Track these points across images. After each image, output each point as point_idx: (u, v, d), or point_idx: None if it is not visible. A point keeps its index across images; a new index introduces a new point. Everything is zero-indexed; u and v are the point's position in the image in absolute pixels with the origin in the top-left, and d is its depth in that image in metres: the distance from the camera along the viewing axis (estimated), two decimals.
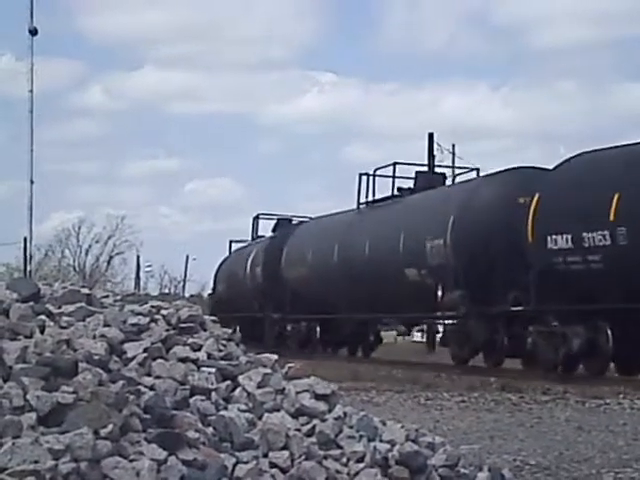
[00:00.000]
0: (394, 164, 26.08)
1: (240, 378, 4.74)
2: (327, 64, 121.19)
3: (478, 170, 24.66)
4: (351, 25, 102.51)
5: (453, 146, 40.85)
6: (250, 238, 36.44)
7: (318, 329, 28.46)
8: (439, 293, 20.33)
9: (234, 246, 39.07)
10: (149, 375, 4.50)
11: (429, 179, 25.22)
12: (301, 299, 27.97)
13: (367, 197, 26.29)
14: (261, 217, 36.52)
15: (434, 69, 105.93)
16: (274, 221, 35.43)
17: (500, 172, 20.49)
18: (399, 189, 25.55)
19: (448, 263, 20.13)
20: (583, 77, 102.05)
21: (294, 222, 33.93)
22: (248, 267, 32.46)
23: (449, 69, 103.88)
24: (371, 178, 26.30)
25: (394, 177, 26.01)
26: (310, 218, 33.10)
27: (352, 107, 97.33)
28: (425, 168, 28.21)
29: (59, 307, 4.98)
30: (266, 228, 35.56)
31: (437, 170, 28.22)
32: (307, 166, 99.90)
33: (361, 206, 26.31)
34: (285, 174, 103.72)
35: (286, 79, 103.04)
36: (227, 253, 39.19)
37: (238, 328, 32.63)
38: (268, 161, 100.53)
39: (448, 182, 25.94)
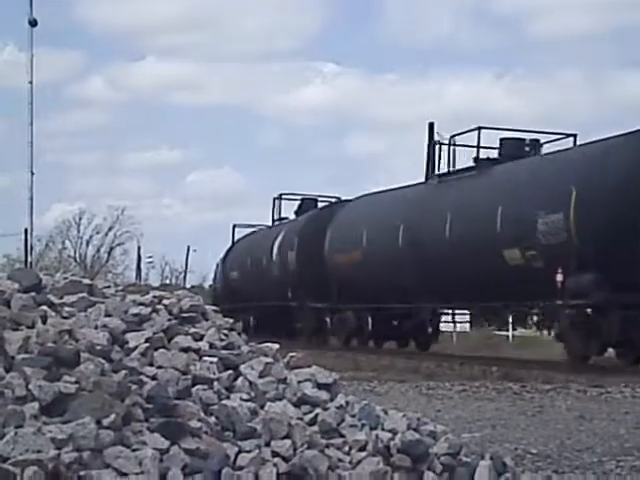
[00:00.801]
0: (479, 129, 21.60)
1: (242, 367, 4.74)
2: (329, 54, 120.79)
3: (575, 136, 21.03)
4: (353, 15, 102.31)
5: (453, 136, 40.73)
6: (270, 221, 33.41)
7: (370, 320, 24.61)
8: (558, 278, 16.83)
9: (238, 231, 37.32)
10: (151, 365, 4.50)
11: (519, 146, 21.19)
12: (351, 287, 24.45)
13: (439, 169, 22.33)
14: (284, 198, 33.32)
15: (436, 59, 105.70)
16: (291, 202, 32.89)
17: (637, 131, 16.96)
18: (477, 159, 21.62)
19: (571, 242, 16.81)
20: (585, 66, 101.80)
21: (320, 203, 31.30)
22: (274, 252, 29.41)
23: (451, 59, 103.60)
24: (444, 147, 22.35)
25: (478, 147, 21.52)
26: (337, 199, 30.13)
27: (354, 97, 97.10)
28: (512, 134, 22.58)
29: (61, 297, 4.99)
30: (288, 210, 33.10)
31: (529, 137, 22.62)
32: (309, 157, 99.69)
33: (430, 179, 22.49)
34: (287, 165, 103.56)
35: (288, 70, 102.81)
36: (231, 239, 37.54)
37: (252, 319, 30.78)
38: (270, 152, 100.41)
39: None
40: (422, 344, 24.52)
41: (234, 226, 38.05)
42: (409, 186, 23.81)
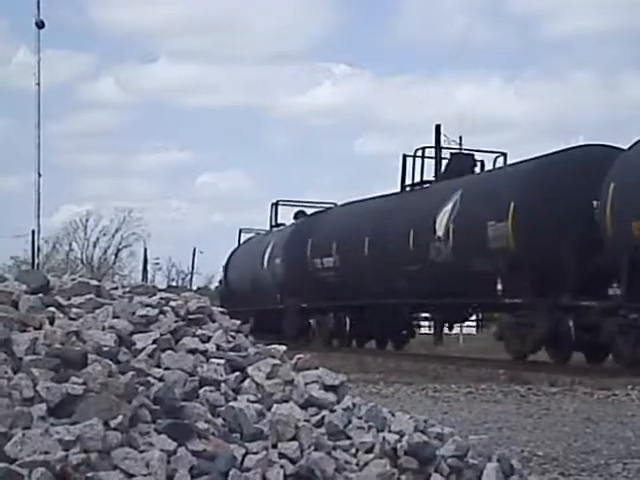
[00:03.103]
0: None
1: (249, 369, 4.74)
2: (341, 56, 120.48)
3: None
4: (365, 16, 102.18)
5: (460, 138, 40.76)
6: (399, 185, 24.17)
7: None
8: None
9: (281, 211, 31.29)
10: (158, 366, 4.50)
11: None
12: None
13: None
14: (421, 153, 24.40)
15: (448, 61, 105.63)
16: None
17: None
18: None
19: None
20: (597, 68, 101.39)
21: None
22: (439, 226, 20.42)
23: (463, 61, 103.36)
24: None
25: None
26: (501, 154, 22.89)
27: (366, 99, 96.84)
28: None
29: (68, 299, 4.99)
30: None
31: None
32: (320, 158, 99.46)
33: None
34: (298, 166, 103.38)
35: (300, 71, 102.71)
36: (270, 219, 31.98)
37: (348, 321, 26.25)
38: (281, 153, 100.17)
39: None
40: None
41: (276, 203, 31.32)
42: None
